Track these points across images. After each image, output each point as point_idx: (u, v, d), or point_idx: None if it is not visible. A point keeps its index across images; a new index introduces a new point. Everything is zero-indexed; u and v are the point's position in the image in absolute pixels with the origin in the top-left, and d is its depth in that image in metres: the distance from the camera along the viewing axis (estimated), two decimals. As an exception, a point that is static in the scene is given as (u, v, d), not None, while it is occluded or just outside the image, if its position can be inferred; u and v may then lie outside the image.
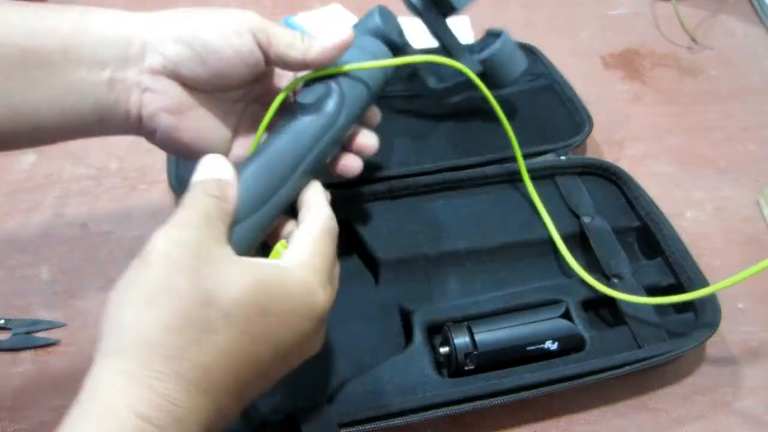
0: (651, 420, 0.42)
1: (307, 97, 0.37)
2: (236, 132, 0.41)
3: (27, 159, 0.60)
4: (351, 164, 0.41)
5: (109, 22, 0.35)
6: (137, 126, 0.37)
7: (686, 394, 0.44)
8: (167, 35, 0.35)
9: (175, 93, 0.37)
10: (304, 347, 0.31)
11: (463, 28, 0.77)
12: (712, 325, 0.43)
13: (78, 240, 0.53)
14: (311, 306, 0.30)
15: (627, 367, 0.40)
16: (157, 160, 0.60)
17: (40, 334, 0.47)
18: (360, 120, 0.41)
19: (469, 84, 0.46)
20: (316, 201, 0.35)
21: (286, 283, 0.29)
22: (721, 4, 0.80)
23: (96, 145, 0.61)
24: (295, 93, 0.40)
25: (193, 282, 0.26)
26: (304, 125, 0.37)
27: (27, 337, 0.46)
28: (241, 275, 0.27)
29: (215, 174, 0.31)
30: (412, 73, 0.56)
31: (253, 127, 0.40)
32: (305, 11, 0.77)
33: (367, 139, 0.42)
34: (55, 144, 0.37)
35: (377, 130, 0.43)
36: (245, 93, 0.41)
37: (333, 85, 0.38)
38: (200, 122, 0.38)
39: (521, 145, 0.57)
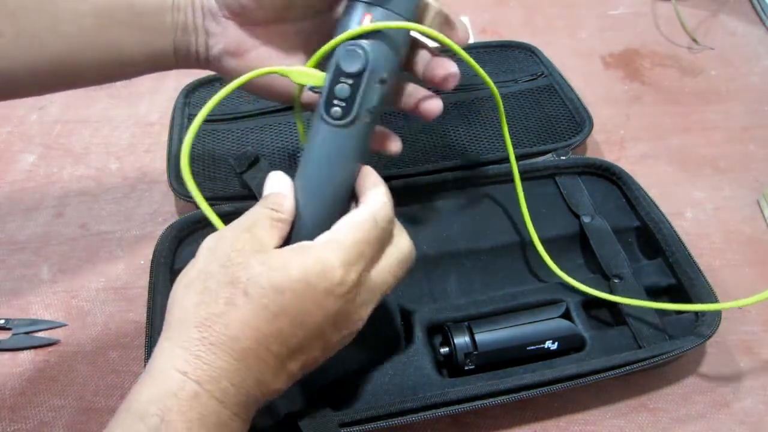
0: (651, 420, 0.42)
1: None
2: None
3: (27, 159, 0.60)
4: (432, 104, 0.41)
5: None
6: (209, 67, 0.40)
7: (686, 394, 0.44)
8: None
9: (233, 34, 0.38)
10: (339, 322, 0.32)
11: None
12: (712, 325, 0.43)
13: (78, 240, 0.53)
14: (327, 280, 0.30)
15: (627, 367, 0.40)
16: (157, 160, 0.60)
17: (40, 334, 0.47)
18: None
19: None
20: (367, 191, 0.35)
21: (302, 262, 0.31)
22: (721, 4, 0.80)
23: (96, 145, 0.61)
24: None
25: (223, 267, 0.30)
26: (336, 144, 0.35)
27: (27, 337, 0.46)
28: (265, 260, 0.31)
29: (273, 189, 0.35)
30: None
31: None
32: None
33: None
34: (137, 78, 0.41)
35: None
36: (318, 24, 0.38)
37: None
38: (263, 62, 0.38)
39: (522, 145, 0.57)
